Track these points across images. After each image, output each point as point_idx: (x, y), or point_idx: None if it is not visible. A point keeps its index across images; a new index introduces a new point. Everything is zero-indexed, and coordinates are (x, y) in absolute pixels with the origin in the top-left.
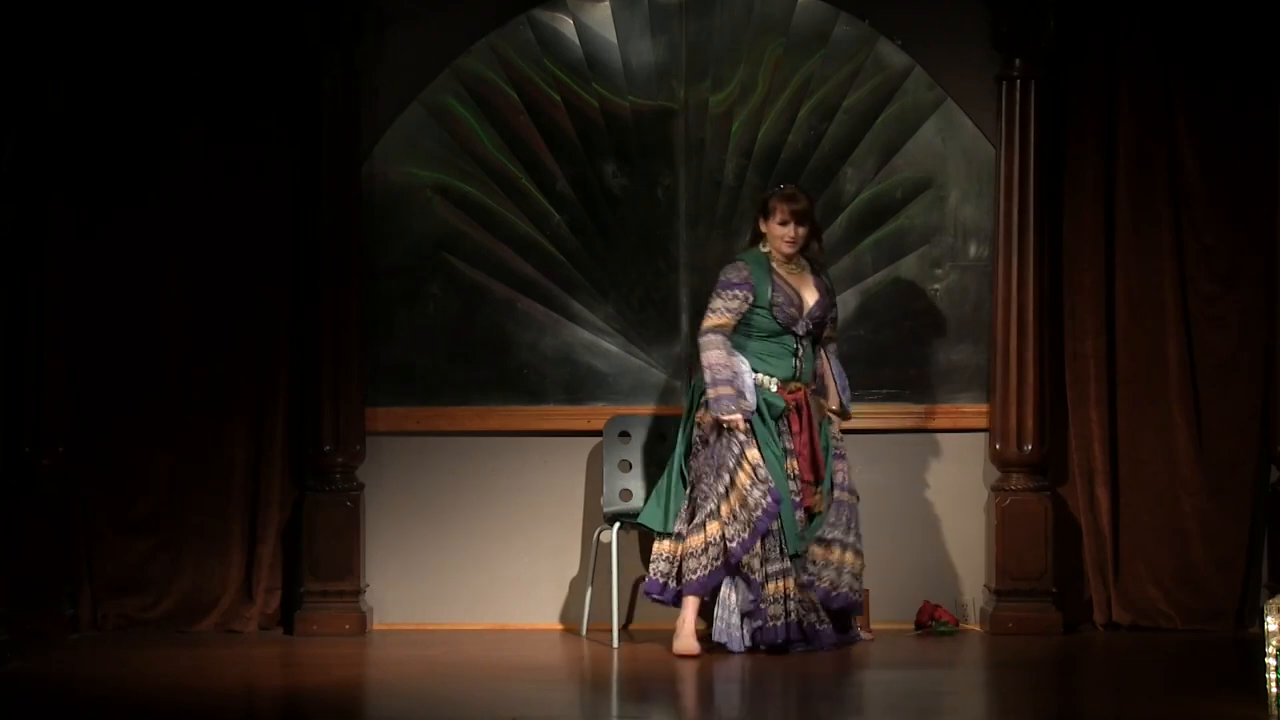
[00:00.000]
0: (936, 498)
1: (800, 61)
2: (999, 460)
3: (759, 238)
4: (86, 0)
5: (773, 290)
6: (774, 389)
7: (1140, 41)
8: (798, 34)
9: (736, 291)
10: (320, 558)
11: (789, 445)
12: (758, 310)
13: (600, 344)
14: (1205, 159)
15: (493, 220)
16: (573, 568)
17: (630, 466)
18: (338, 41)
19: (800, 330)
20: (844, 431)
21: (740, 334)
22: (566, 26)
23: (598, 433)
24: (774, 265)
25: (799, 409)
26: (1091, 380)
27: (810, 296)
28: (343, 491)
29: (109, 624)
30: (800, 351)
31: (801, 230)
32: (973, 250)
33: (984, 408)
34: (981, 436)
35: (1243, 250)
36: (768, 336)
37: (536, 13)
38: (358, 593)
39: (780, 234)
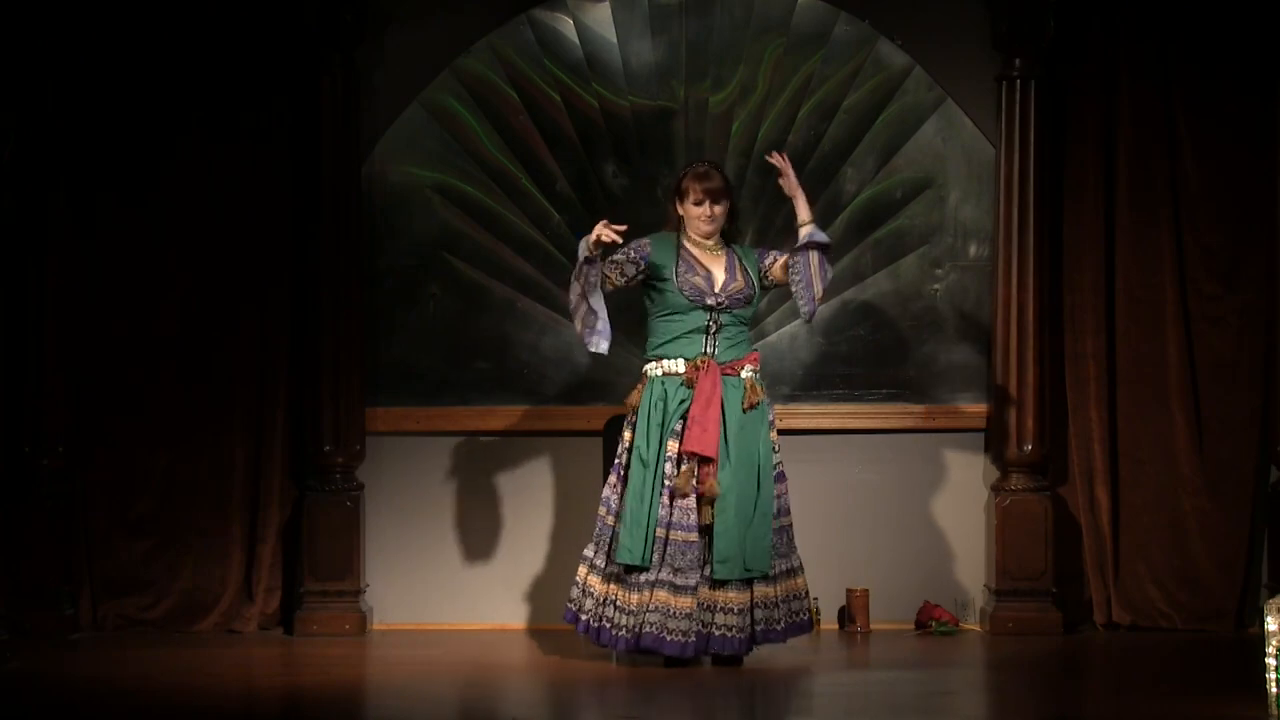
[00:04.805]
0: (936, 498)
1: (800, 61)
2: (999, 460)
3: (678, 223)
4: (85, 0)
5: (678, 263)
6: (681, 369)
7: (1140, 41)
8: (798, 34)
9: (630, 251)
10: (320, 558)
11: (676, 427)
12: (665, 287)
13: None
14: (1205, 159)
15: (493, 220)
16: (573, 568)
17: None
18: (338, 41)
19: (712, 303)
20: (848, 431)
21: (653, 316)
22: (566, 26)
23: (598, 433)
24: (685, 244)
25: (703, 373)
26: (1091, 380)
27: (721, 274)
28: (343, 491)
29: (109, 624)
30: (714, 328)
31: (718, 208)
32: (973, 250)
33: (984, 408)
34: (981, 436)
35: (1243, 250)
36: (677, 313)
37: (536, 13)
38: (358, 593)
39: (696, 214)
